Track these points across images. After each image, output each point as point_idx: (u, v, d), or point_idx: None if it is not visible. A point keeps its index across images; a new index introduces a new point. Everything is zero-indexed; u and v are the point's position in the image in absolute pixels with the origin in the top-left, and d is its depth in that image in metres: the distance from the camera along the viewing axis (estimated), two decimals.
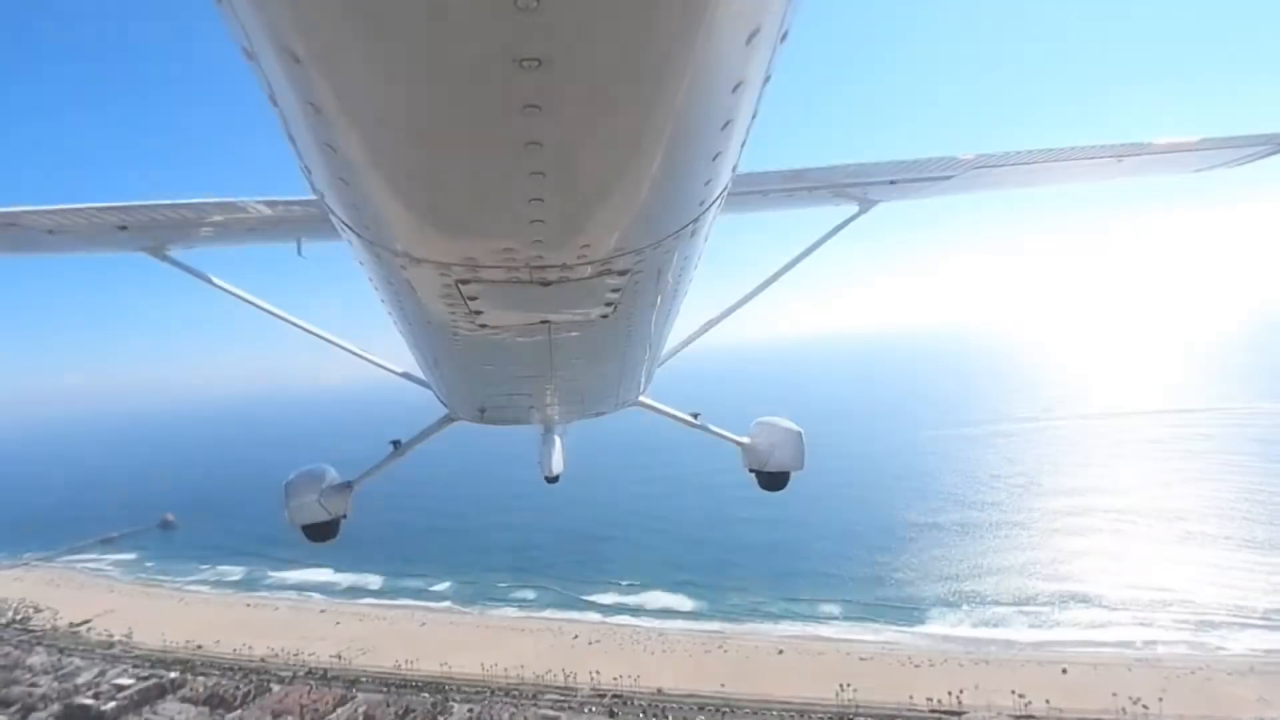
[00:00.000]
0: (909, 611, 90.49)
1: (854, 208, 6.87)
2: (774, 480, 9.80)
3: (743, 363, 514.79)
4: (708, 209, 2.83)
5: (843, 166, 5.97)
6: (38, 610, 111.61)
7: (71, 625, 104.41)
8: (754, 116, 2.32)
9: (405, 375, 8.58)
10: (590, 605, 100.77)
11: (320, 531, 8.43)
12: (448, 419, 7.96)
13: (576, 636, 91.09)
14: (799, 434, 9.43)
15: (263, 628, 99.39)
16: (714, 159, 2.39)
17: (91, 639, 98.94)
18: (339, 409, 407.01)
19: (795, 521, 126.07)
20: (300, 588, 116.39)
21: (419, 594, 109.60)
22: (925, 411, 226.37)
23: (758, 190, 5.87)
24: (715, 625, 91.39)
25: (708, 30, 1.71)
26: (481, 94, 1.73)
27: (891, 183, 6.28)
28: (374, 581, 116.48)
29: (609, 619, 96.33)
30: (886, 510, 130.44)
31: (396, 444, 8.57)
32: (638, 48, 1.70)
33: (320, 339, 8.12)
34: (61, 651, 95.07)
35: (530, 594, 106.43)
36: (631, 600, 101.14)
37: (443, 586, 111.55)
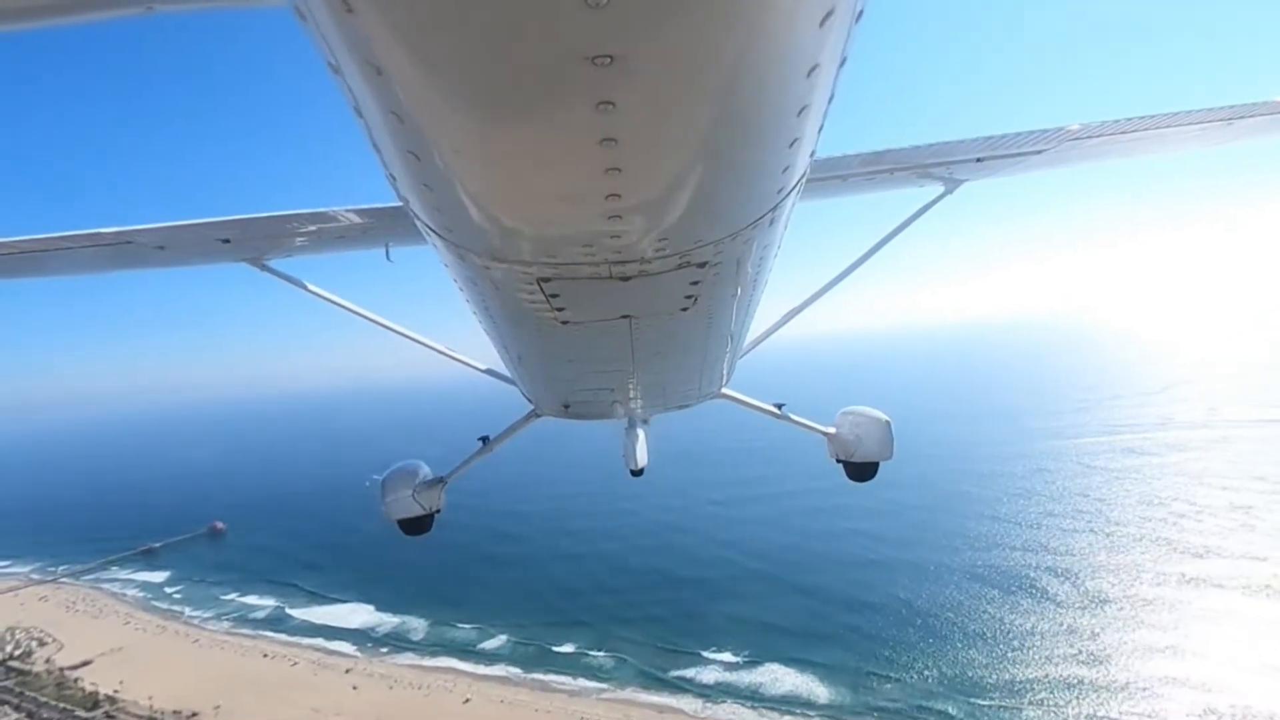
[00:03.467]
0: None
1: (939, 188, 6.62)
2: (861, 471, 9.18)
3: (828, 355, 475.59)
4: (786, 196, 2.79)
5: (926, 146, 5.49)
6: (42, 644, 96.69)
7: (66, 669, 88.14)
8: (831, 100, 2.27)
9: (489, 372, 8.53)
10: (686, 685, 75.03)
11: (415, 526, 8.66)
12: (533, 414, 7.96)
13: None
14: (887, 423, 8.85)
15: (272, 690, 79.56)
16: (790, 146, 2.34)
17: (77, 692, 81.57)
18: (424, 405, 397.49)
19: (938, 567, 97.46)
20: (330, 633, 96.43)
21: (466, 652, 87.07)
22: (1058, 415, 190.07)
23: (837, 175, 5.53)
24: None
25: (779, 16, 1.68)
26: (556, 94, 1.75)
27: (979, 160, 5.79)
28: (417, 628, 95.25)
29: (714, 708, 70.47)
30: (1060, 554, 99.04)
31: (485, 440, 8.74)
32: (709, 39, 1.67)
33: (408, 338, 8.27)
34: (31, 716, 77.89)
35: (604, 659, 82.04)
36: (743, 680, 74.79)
37: (496, 643, 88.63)
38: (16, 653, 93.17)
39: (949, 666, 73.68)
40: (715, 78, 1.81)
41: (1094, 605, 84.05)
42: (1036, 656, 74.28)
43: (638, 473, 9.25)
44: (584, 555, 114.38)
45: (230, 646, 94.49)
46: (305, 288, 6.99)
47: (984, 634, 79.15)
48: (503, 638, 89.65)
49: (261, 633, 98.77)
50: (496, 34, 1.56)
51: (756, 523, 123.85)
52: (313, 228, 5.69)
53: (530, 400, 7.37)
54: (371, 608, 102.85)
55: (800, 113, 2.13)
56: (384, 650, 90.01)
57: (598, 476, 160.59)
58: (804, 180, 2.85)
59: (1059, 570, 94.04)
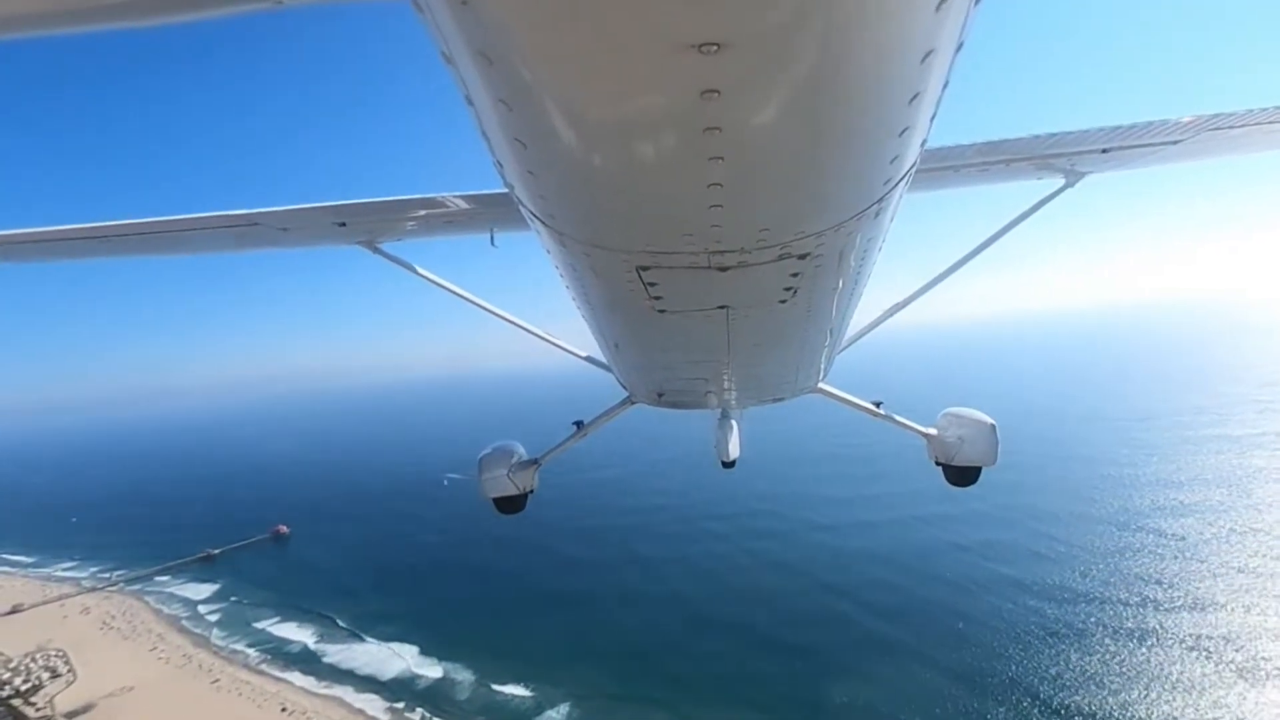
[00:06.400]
0: None
1: (1059, 180, 6.19)
2: (963, 475, 8.59)
3: (932, 348, 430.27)
4: (893, 188, 2.71)
5: (1046, 136, 5.17)
6: (55, 674, 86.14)
7: (64, 715, 76.68)
8: (945, 87, 2.19)
9: (588, 359, 8.60)
10: None
11: (509, 505, 8.83)
12: (628, 402, 7.97)
13: None
14: (992, 426, 8.32)
15: None
16: (900, 135, 2.27)
17: None
18: (524, 393, 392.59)
19: (1148, 642, 71.09)
20: (363, 680, 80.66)
21: None
22: (1236, 420, 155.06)
23: (949, 165, 5.22)
24: None
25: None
26: (661, 83, 1.75)
27: (1104, 151, 5.39)
28: (461, 684, 77.89)
29: None
30: None
31: (579, 425, 8.72)
32: (818, 24, 1.63)
33: (511, 324, 8.38)
34: None
35: None
36: None
37: (553, 718, 70.01)
38: (24, 687, 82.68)
39: None
40: (824, 65, 1.74)
41: None
42: None
43: (729, 464, 9.84)
44: (660, 598, 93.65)
45: (249, 691, 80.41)
46: (415, 271, 7.16)
47: None
48: (561, 710, 70.47)
49: (288, 674, 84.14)
50: (603, 23, 1.55)
51: (875, 561, 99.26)
52: (422, 212, 5.88)
53: (625, 388, 7.44)
54: (415, 650, 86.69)
55: (912, 100, 2.04)
56: (416, 715, 73.13)
57: (678, 487, 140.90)
58: (914, 170, 2.73)
59: None
